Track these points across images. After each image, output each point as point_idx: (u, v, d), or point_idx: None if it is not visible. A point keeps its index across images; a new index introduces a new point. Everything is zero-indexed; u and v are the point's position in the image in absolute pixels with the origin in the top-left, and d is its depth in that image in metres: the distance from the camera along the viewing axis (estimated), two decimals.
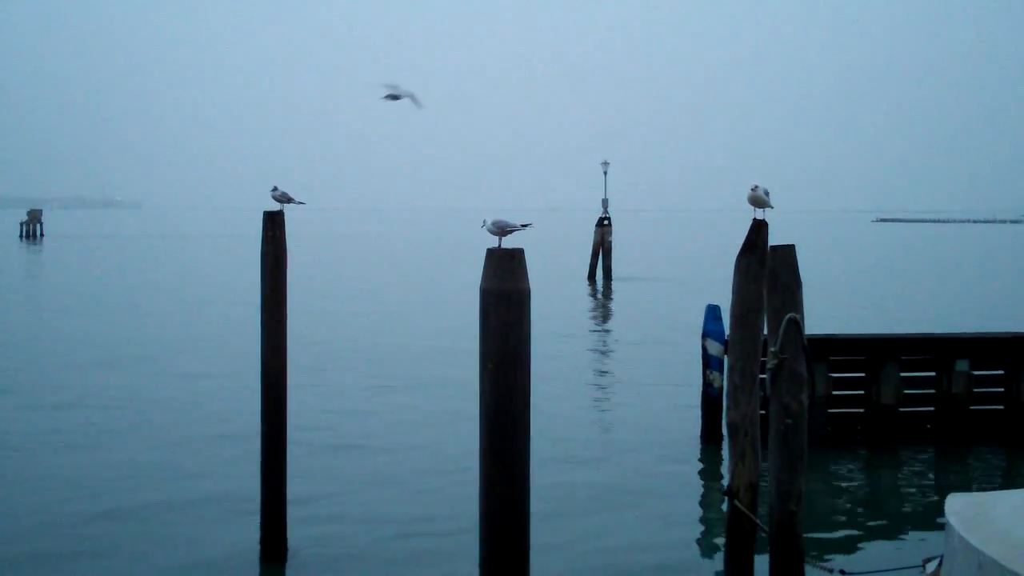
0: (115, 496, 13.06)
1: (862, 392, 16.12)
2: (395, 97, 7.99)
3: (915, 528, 12.35)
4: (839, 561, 10.55)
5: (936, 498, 13.08)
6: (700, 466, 15.14)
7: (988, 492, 7.47)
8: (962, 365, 16.04)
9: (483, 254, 6.68)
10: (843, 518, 12.82)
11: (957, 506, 6.68)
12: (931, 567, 7.60)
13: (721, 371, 15.13)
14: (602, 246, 51.83)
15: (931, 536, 11.49)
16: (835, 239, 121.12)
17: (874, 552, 11.38)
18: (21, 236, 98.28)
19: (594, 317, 36.54)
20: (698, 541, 11.98)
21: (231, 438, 15.85)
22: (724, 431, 14.51)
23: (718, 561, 10.55)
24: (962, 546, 6.18)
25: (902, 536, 12.08)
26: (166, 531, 11.73)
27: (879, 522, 12.65)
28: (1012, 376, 16.29)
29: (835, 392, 15.98)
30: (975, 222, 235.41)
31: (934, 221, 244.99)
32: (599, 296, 44.18)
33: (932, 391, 16.22)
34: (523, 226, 7.90)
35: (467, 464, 11.18)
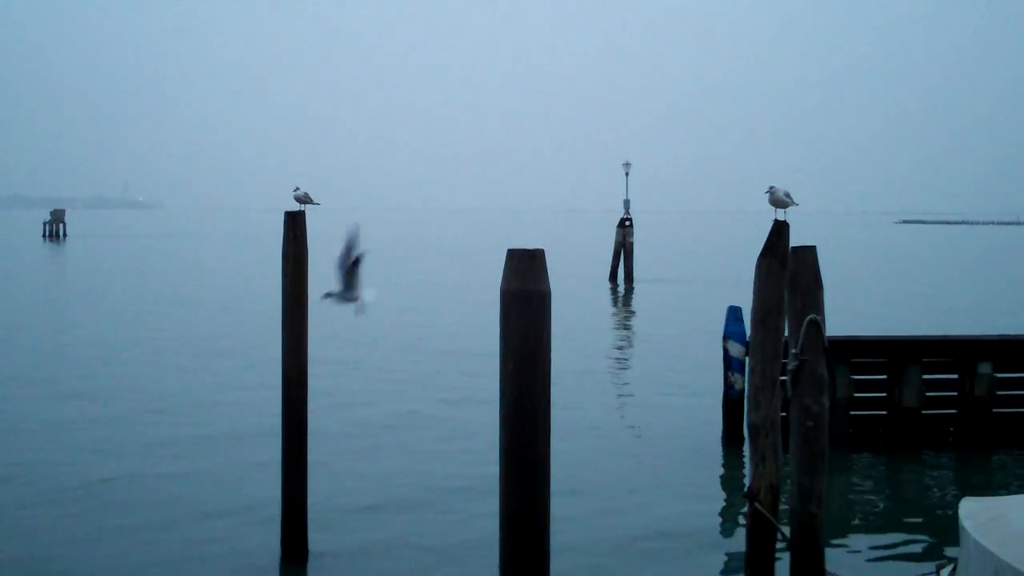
0: (135, 498, 13.12)
1: (884, 394, 16.04)
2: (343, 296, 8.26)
3: (936, 532, 12.27)
4: (855, 567, 10.53)
5: (958, 502, 13.00)
6: (721, 468, 15.12)
7: (1002, 496, 7.43)
8: (985, 368, 15.93)
9: (503, 255, 6.69)
10: (863, 521, 12.78)
11: (972, 510, 6.61)
12: (945, 572, 7.54)
13: (743, 373, 15.09)
14: (623, 247, 51.74)
15: (952, 540, 11.44)
16: (857, 240, 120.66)
17: (893, 556, 11.34)
18: (44, 236, 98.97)
19: (615, 318, 36.52)
20: (719, 543, 11.96)
21: (252, 439, 15.90)
22: (745, 433, 14.49)
23: (739, 563, 10.52)
24: (977, 550, 6.13)
25: (923, 540, 12.02)
26: (187, 534, 11.77)
27: (900, 525, 12.60)
28: None
29: (857, 394, 15.91)
30: (1000, 224, 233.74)
31: (958, 223, 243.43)
32: (620, 298, 44.14)
33: (955, 394, 16.12)
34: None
35: (489, 466, 11.18)
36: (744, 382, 14.28)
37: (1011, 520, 6.29)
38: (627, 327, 33.75)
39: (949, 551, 10.92)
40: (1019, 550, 5.87)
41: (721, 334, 16.09)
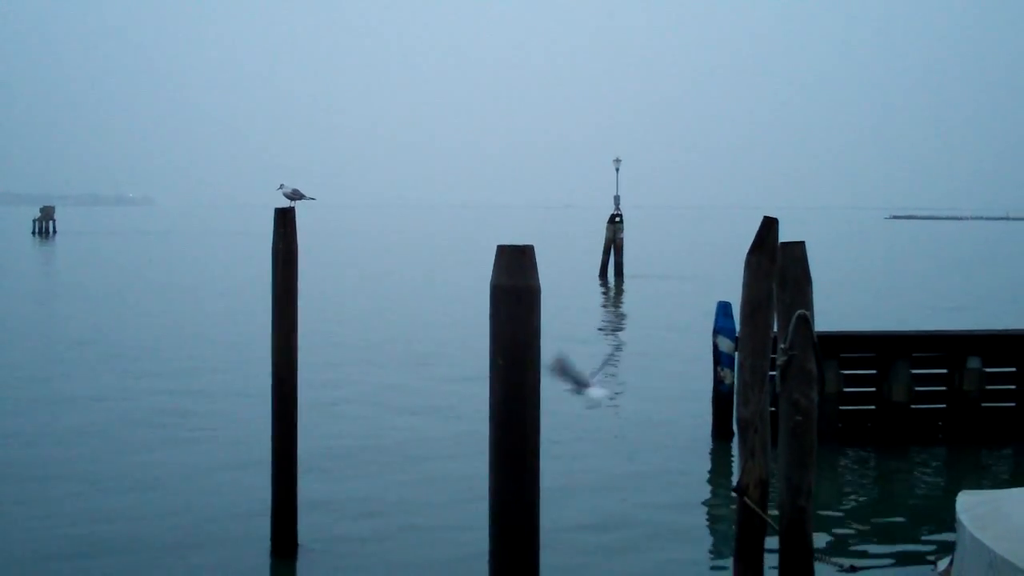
0: (124, 492, 13.12)
1: (873, 389, 16.09)
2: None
3: (926, 526, 12.33)
4: (849, 558, 10.54)
5: (947, 496, 13.04)
6: (710, 463, 15.15)
7: (999, 490, 7.45)
8: (974, 362, 15.99)
9: (493, 251, 6.70)
10: (854, 515, 12.81)
11: (968, 504, 6.65)
12: (942, 565, 7.58)
13: (732, 368, 15.12)
14: (614, 243, 51.79)
15: (942, 534, 11.48)
16: (847, 236, 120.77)
17: (884, 550, 11.38)
18: (34, 233, 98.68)
19: (605, 314, 36.53)
20: (708, 538, 12.00)
21: (241, 433, 15.89)
22: (734, 428, 14.52)
23: (728, 558, 10.55)
24: (973, 544, 6.16)
25: (913, 534, 12.06)
26: (176, 526, 11.77)
27: (890, 520, 12.64)
28: None
29: (846, 389, 15.95)
30: (988, 219, 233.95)
31: (948, 218, 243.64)
32: (610, 293, 44.16)
33: (944, 388, 16.18)
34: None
35: (478, 462, 11.18)
36: (733, 377, 14.31)
37: (1008, 514, 6.32)
38: (617, 323, 33.76)
39: (939, 545, 10.97)
40: (1014, 544, 5.89)
41: (711, 329, 16.12)
